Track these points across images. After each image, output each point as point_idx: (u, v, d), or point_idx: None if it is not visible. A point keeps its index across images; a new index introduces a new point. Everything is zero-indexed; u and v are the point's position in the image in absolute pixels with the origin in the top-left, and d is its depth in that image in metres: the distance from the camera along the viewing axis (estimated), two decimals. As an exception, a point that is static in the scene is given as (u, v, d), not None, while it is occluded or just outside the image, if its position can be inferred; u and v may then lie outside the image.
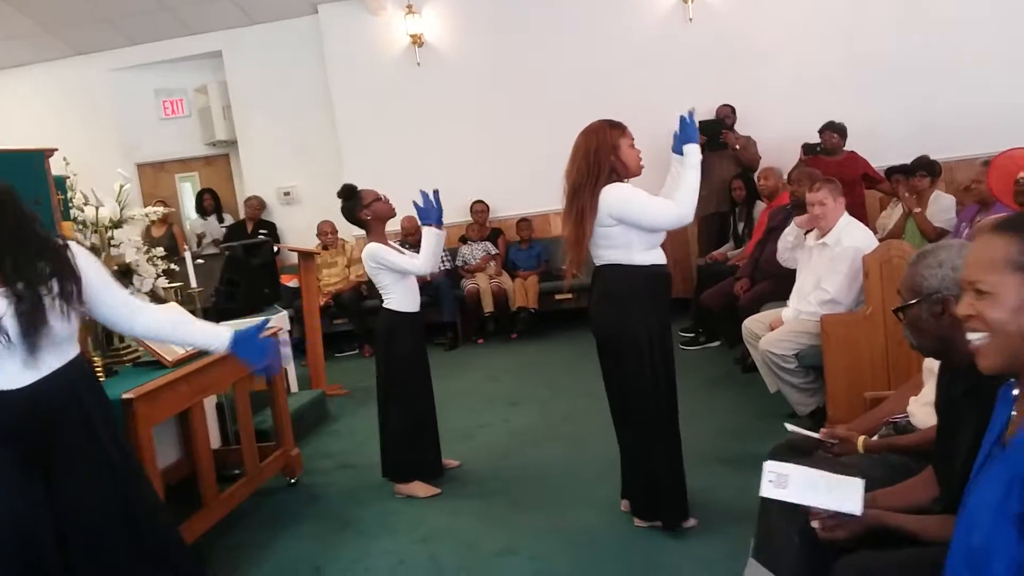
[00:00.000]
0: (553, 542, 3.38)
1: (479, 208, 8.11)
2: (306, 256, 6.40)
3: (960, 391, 1.89)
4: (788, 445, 2.66)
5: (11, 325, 2.06)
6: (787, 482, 2.01)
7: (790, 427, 2.79)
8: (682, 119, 3.30)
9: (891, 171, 6.34)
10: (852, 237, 4.19)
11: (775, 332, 4.27)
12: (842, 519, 1.94)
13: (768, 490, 2.00)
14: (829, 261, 4.22)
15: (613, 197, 3.16)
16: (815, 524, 1.98)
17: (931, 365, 2.59)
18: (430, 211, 3.93)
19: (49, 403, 2.14)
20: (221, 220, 9.08)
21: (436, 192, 3.95)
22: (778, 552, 2.27)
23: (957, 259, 1.93)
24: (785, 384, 4.26)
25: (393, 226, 5.55)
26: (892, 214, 6.21)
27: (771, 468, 2.06)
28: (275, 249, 7.85)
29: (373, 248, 3.96)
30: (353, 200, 4.06)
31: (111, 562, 2.21)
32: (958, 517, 1.54)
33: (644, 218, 3.16)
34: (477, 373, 6.51)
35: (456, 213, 8.24)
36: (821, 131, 6.72)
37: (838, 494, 1.96)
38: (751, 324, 4.59)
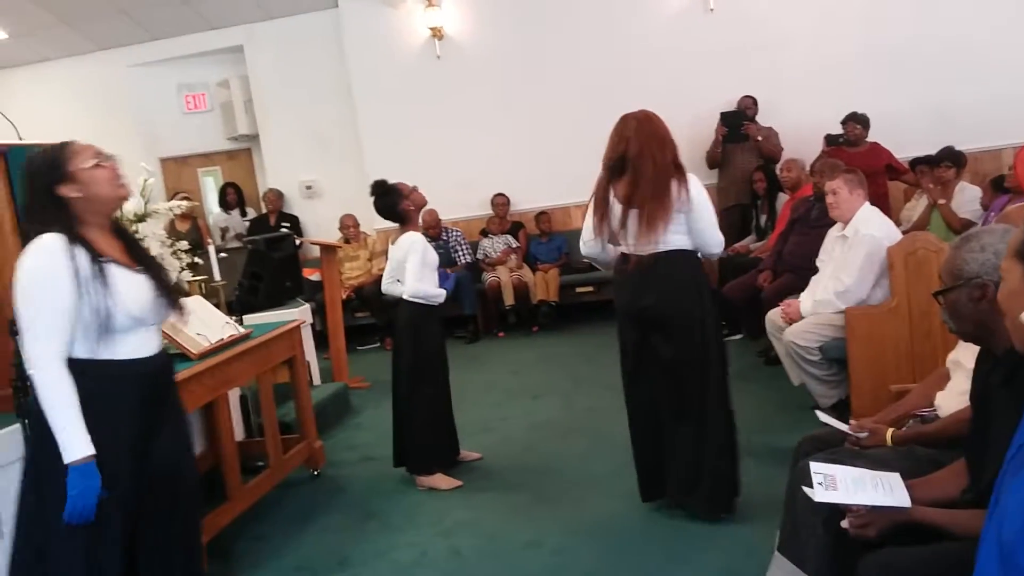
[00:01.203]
0: (577, 535, 3.39)
1: (500, 201, 8.10)
2: (328, 250, 6.43)
3: (999, 380, 1.87)
4: (814, 439, 2.65)
5: (160, 297, 2.30)
6: (836, 483, 2.00)
7: (821, 416, 2.78)
8: None
9: (915, 162, 6.27)
10: (869, 226, 4.13)
11: (800, 324, 4.23)
12: (874, 516, 1.93)
13: (820, 494, 1.98)
14: (846, 251, 4.19)
15: (696, 189, 3.26)
16: (844, 524, 1.97)
17: (956, 356, 2.57)
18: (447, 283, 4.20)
19: (164, 371, 2.39)
20: (244, 214, 9.13)
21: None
22: (804, 546, 2.26)
23: (1000, 244, 1.90)
24: (808, 376, 4.23)
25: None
26: (917, 206, 6.15)
27: (818, 470, 2.05)
28: (297, 243, 7.89)
29: (411, 239, 4.01)
30: (392, 195, 4.06)
31: (179, 518, 2.43)
32: (989, 510, 1.53)
33: (703, 223, 3.30)
34: (498, 366, 6.52)
35: (477, 206, 8.26)
36: (844, 122, 6.65)
37: (885, 489, 1.96)
38: (775, 316, 4.55)
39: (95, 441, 2.12)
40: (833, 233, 4.44)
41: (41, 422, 2.14)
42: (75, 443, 2.08)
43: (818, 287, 4.32)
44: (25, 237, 2.20)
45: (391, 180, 4.15)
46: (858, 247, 4.08)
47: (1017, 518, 1.36)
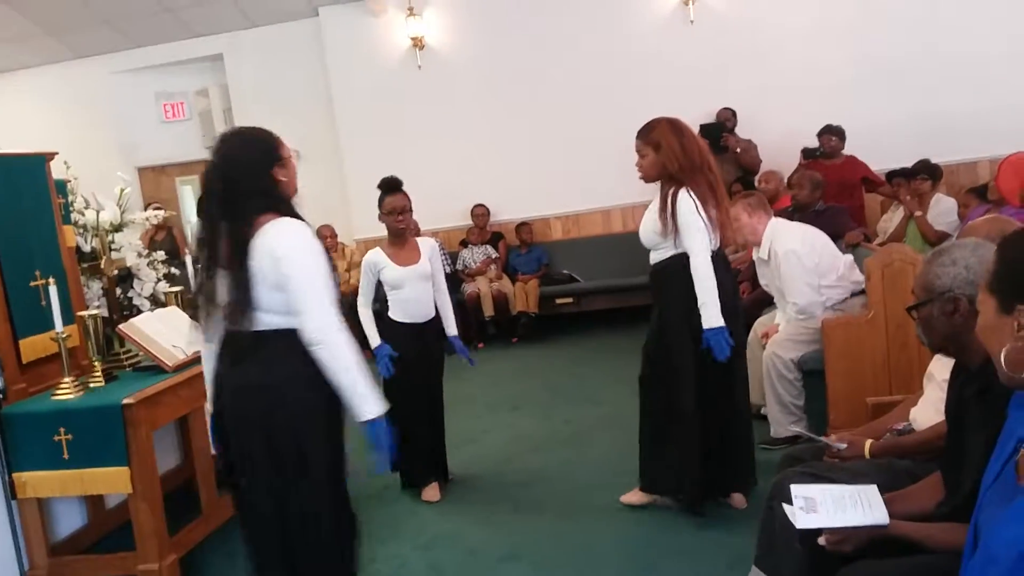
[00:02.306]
0: (556, 548, 3.37)
1: (479, 211, 8.10)
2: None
3: (972, 392, 1.88)
4: (792, 456, 2.65)
5: None
6: (816, 506, 1.99)
7: (794, 428, 2.78)
8: None
9: (892, 174, 6.33)
10: (781, 242, 4.19)
11: (782, 334, 4.22)
12: (850, 532, 1.93)
13: (802, 520, 1.97)
14: (776, 272, 4.23)
15: None
16: (821, 541, 1.97)
17: (931, 370, 2.58)
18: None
19: None
20: (222, 223, 9.05)
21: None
22: (781, 559, 2.27)
23: (971, 258, 1.91)
24: (773, 396, 4.14)
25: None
26: (893, 217, 6.20)
27: (798, 493, 2.04)
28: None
29: (367, 257, 3.98)
30: (381, 197, 3.96)
31: None
32: (970, 540, 1.51)
33: None
34: (478, 377, 6.48)
35: (456, 217, 8.24)
36: (820, 134, 6.71)
37: (864, 508, 1.96)
38: (760, 328, 4.54)
39: (328, 395, 2.23)
40: (754, 258, 4.53)
41: (285, 404, 2.22)
42: (372, 400, 2.22)
43: (782, 310, 4.36)
44: (233, 218, 2.24)
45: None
46: (782, 265, 4.14)
47: (1005, 562, 1.32)
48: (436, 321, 4.07)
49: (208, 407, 2.46)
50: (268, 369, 2.23)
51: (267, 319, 2.23)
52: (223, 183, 2.26)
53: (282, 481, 2.26)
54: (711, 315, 3.19)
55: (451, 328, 4.09)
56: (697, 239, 3.23)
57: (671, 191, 3.28)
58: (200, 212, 2.39)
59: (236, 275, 2.22)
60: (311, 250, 2.22)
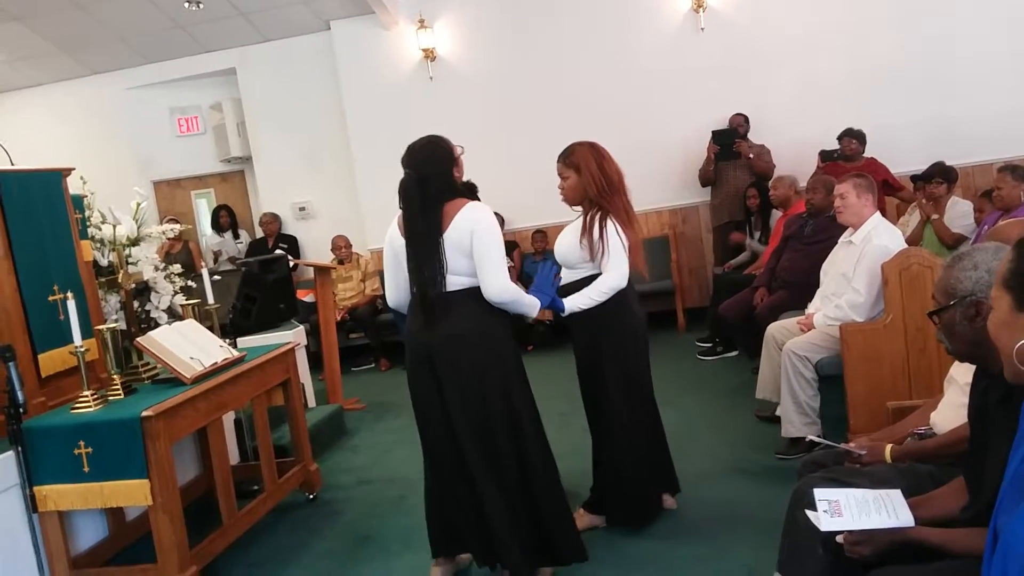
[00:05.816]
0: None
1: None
2: (322, 271, 6.42)
3: (995, 398, 1.86)
4: (813, 461, 2.63)
5: None
6: (840, 508, 1.99)
7: (814, 439, 2.76)
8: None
9: (916, 178, 6.27)
10: (881, 234, 4.07)
11: (805, 335, 4.17)
12: (869, 534, 1.92)
13: (827, 523, 1.97)
14: (856, 261, 4.08)
15: None
16: (840, 539, 1.96)
17: (952, 373, 2.56)
18: None
19: None
20: (237, 236, 9.12)
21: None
22: (804, 566, 2.25)
23: (993, 261, 1.89)
24: (788, 394, 4.09)
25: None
26: (910, 221, 6.16)
27: (822, 496, 2.04)
28: (291, 264, 7.89)
29: None
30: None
31: None
32: (989, 542, 1.50)
33: None
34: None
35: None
36: (840, 137, 6.68)
37: (889, 511, 1.95)
38: (775, 331, 4.49)
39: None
40: (841, 239, 4.37)
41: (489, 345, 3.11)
42: (535, 305, 3.15)
43: (828, 301, 4.25)
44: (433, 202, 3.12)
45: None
46: (868, 256, 4.00)
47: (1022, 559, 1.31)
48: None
49: None
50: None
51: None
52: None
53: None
54: (577, 303, 3.36)
55: None
56: (621, 266, 3.38)
57: (598, 215, 3.39)
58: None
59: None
60: (497, 228, 3.00)
